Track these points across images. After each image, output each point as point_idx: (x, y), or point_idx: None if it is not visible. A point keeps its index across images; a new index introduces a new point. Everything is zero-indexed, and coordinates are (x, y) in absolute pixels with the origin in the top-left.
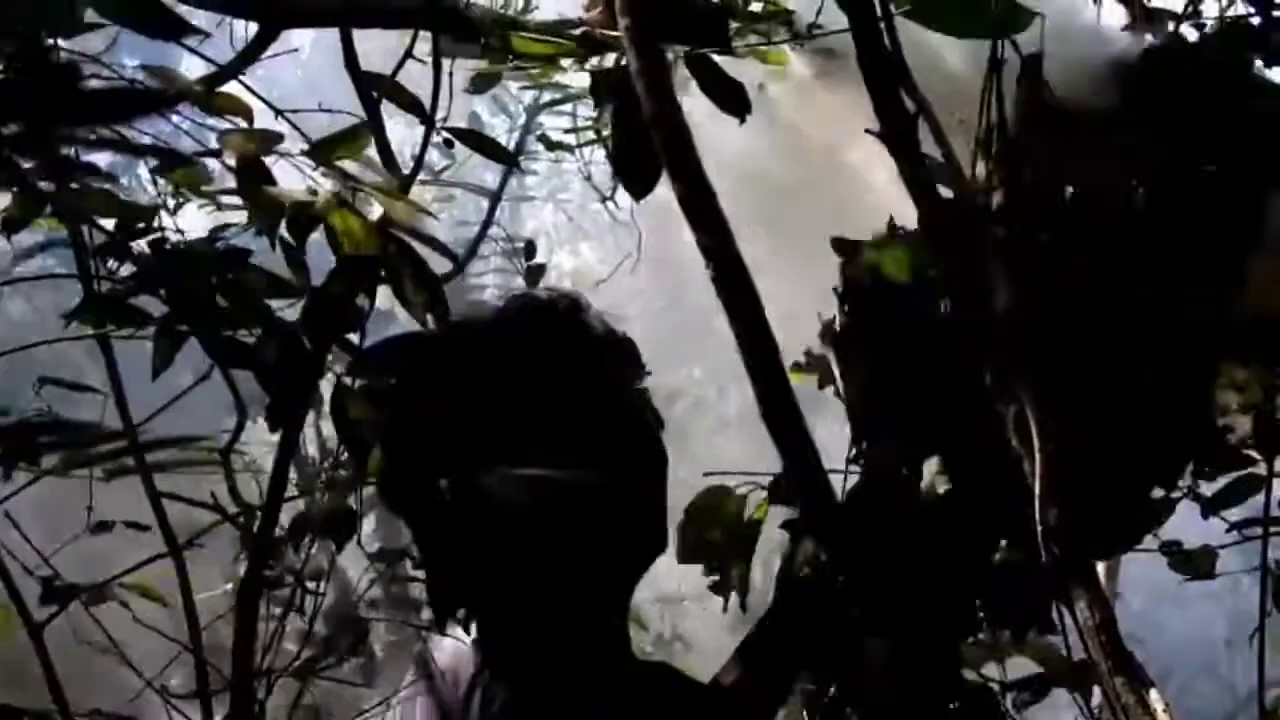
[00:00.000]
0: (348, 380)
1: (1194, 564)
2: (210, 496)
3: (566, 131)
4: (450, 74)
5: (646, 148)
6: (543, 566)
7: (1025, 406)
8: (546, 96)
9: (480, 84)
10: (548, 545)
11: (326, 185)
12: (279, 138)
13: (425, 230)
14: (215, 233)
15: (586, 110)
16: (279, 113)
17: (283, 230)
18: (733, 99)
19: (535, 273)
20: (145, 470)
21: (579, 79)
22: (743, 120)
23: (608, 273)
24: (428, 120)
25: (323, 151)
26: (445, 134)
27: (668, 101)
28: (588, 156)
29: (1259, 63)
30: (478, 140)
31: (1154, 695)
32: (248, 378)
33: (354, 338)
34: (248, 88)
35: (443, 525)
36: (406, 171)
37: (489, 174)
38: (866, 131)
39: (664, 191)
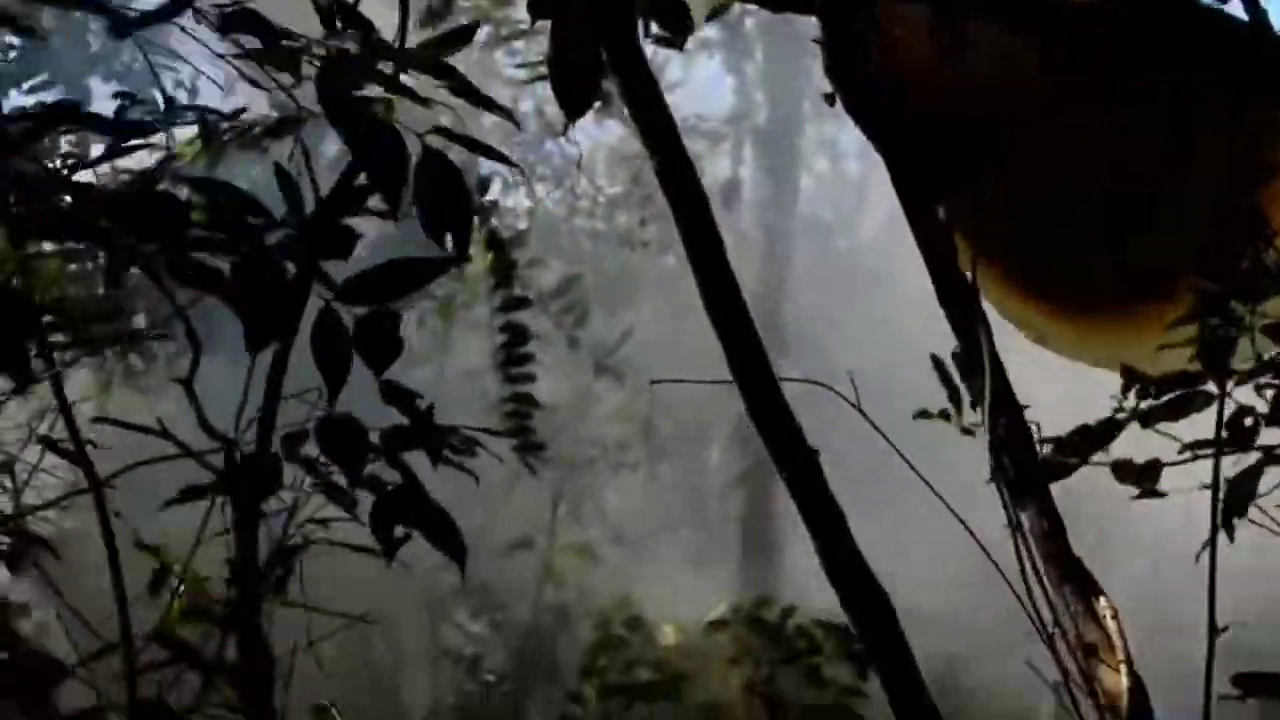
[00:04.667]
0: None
1: (1140, 477)
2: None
3: (517, 66)
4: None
5: (585, 64)
6: None
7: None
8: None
9: (433, 16)
10: None
11: None
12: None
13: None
14: (163, 164)
15: (540, 47)
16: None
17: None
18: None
19: (487, 211)
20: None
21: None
22: (681, 46)
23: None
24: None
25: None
26: None
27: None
28: (540, 92)
29: None
30: None
31: (1102, 602)
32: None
33: None
34: None
35: None
36: None
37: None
38: None
39: None
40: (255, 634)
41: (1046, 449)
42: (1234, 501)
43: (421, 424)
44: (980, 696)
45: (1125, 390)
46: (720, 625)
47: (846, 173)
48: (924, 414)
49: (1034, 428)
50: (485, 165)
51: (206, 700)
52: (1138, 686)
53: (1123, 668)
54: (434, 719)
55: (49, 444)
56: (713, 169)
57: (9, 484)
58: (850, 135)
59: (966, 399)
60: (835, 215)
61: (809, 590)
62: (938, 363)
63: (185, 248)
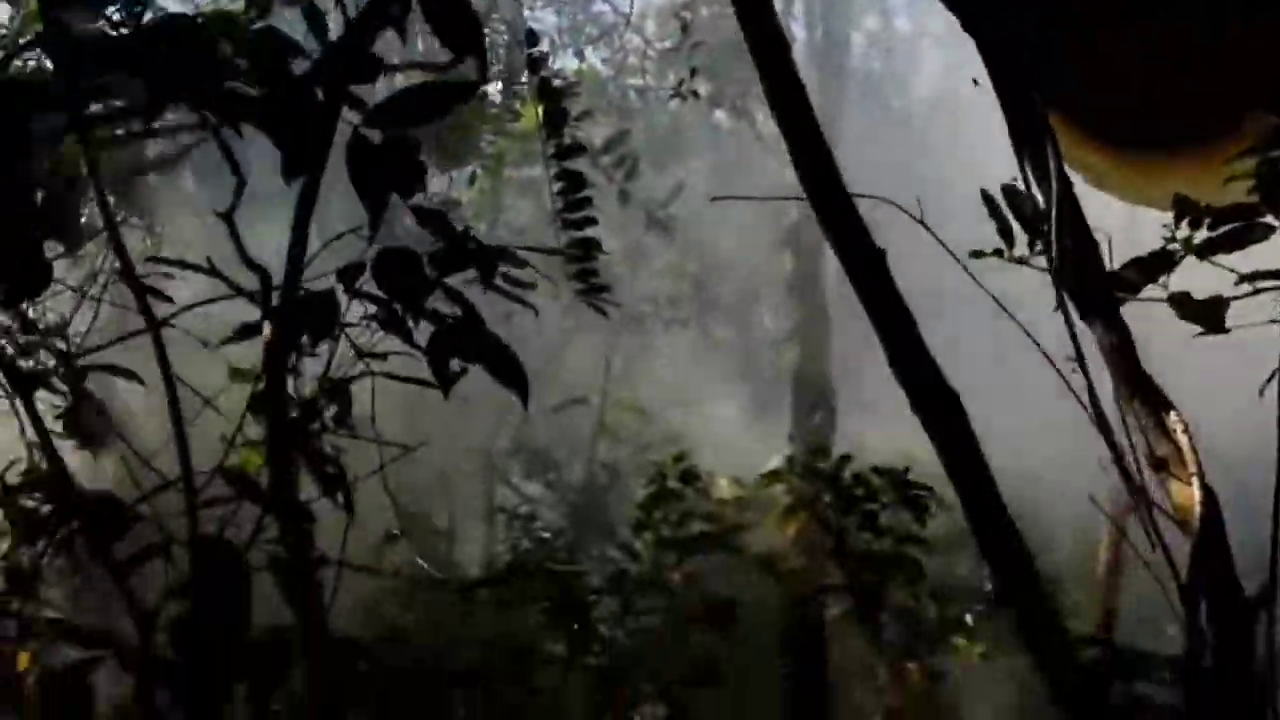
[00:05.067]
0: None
1: (1203, 314)
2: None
3: None
4: None
5: None
6: None
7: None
8: None
9: None
10: None
11: None
12: None
13: None
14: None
15: None
16: None
17: None
18: None
19: (538, 61)
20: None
21: None
22: None
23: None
24: None
25: None
26: None
27: None
28: None
29: None
30: None
31: (1173, 416)
32: None
33: None
34: None
35: None
36: None
37: None
38: None
39: None
40: (286, 467)
41: None
42: None
43: (458, 243)
44: (1043, 532)
45: (1177, 221)
46: (775, 476)
47: (897, 30)
48: (978, 254)
49: (1104, 239)
50: (533, 22)
51: (262, 535)
52: (1209, 498)
53: (1194, 480)
54: (490, 572)
55: (130, 281)
56: None
57: (63, 344)
58: None
59: (1020, 236)
60: (886, 71)
61: (862, 446)
62: (987, 197)
63: (223, 78)
